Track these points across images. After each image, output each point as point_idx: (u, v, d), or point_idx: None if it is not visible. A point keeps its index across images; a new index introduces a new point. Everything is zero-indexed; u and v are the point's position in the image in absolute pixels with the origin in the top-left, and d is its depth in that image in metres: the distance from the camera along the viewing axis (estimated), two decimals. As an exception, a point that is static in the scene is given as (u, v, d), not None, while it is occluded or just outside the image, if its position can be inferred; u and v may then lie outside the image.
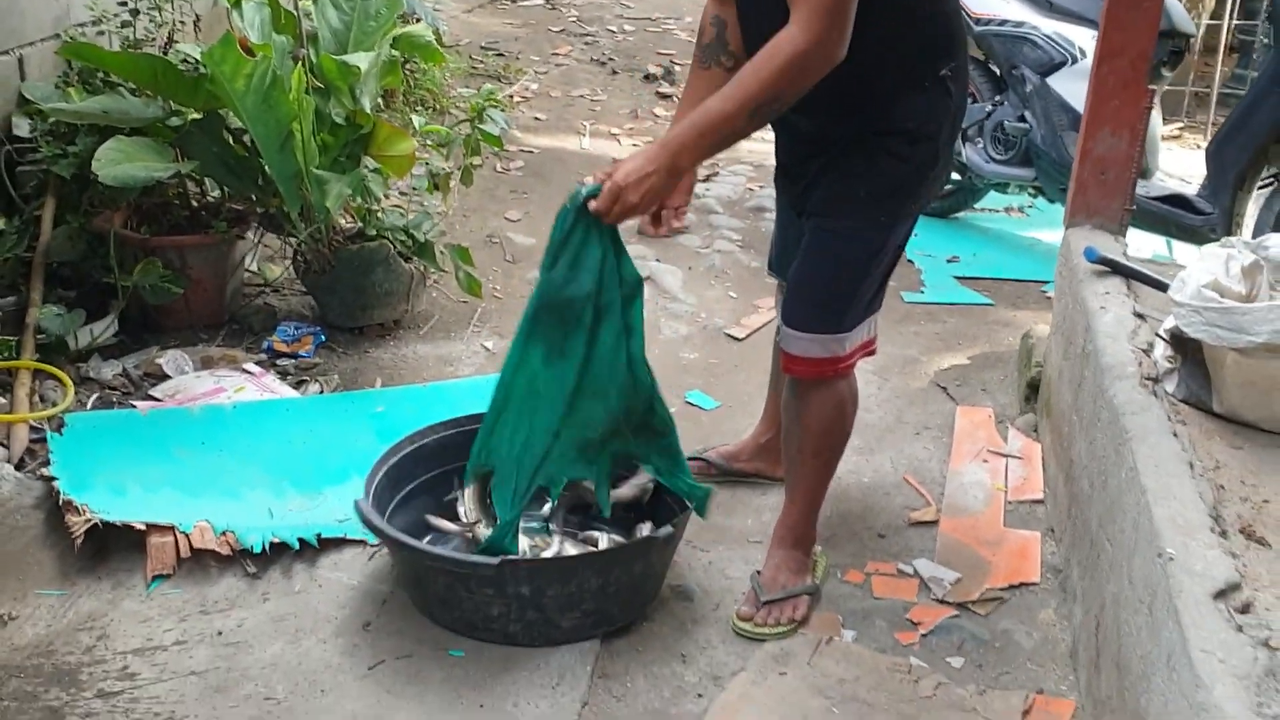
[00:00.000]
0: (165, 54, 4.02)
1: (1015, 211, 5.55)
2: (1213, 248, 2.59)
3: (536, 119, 6.45)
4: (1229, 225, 4.27)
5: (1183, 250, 4.62)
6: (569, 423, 2.51)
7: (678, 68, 7.56)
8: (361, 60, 3.52)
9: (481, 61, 7.37)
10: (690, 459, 2.88)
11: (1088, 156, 3.25)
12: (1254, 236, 4.25)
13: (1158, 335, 2.59)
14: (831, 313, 2.61)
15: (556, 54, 7.96)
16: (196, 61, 3.73)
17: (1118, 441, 2.31)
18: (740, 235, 5.05)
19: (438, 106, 5.76)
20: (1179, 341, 2.53)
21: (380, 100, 3.70)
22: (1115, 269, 3.00)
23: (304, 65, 3.55)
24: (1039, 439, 3.40)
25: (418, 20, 5.02)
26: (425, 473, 2.91)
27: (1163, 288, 2.87)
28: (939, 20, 2.50)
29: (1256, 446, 2.32)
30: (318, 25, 3.75)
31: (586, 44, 8.29)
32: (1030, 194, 5.27)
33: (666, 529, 2.58)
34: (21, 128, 4.09)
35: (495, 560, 2.46)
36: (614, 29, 8.75)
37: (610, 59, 7.92)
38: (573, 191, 2.40)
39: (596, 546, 2.76)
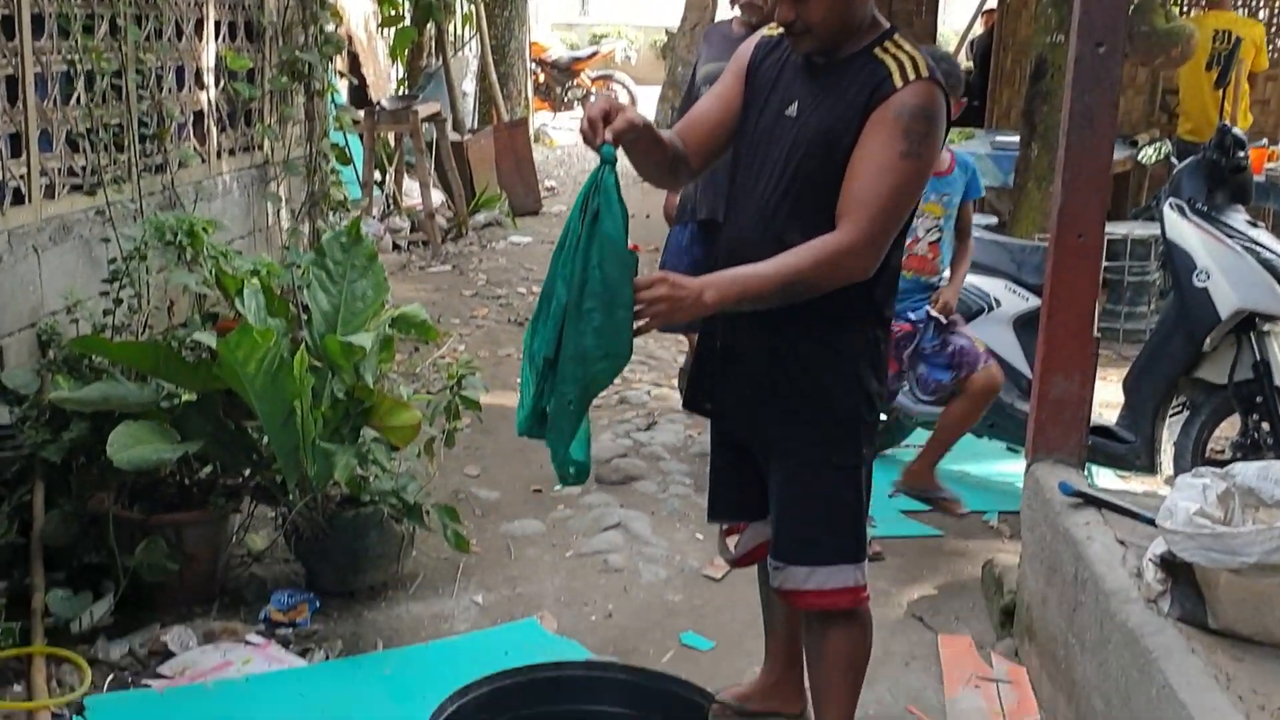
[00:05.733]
0: (158, 339, 4.19)
1: (938, 446, 5.89)
2: (1186, 478, 2.90)
3: (471, 378, 6.67)
4: (1151, 451, 4.64)
5: (1102, 476, 4.98)
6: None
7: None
8: (365, 340, 3.74)
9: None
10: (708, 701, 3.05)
11: (1045, 399, 3.57)
12: (1175, 460, 4.65)
13: (1149, 560, 2.85)
14: (850, 540, 2.83)
15: (475, 316, 8.27)
16: (198, 346, 3.91)
17: (1141, 661, 2.54)
18: (691, 479, 5.28)
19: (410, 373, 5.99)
20: (1169, 565, 2.80)
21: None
22: (1090, 501, 3.28)
23: (305, 346, 3.74)
24: (1023, 662, 3.62)
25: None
26: (467, 734, 3.00)
27: (1138, 517, 3.17)
28: (896, 275, 2.82)
29: (1255, 659, 2.58)
30: (310, 308, 3.96)
31: (501, 306, 8.62)
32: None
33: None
34: (3, 415, 4.18)
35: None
36: (523, 290, 9.11)
37: (526, 319, 8.23)
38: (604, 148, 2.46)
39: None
